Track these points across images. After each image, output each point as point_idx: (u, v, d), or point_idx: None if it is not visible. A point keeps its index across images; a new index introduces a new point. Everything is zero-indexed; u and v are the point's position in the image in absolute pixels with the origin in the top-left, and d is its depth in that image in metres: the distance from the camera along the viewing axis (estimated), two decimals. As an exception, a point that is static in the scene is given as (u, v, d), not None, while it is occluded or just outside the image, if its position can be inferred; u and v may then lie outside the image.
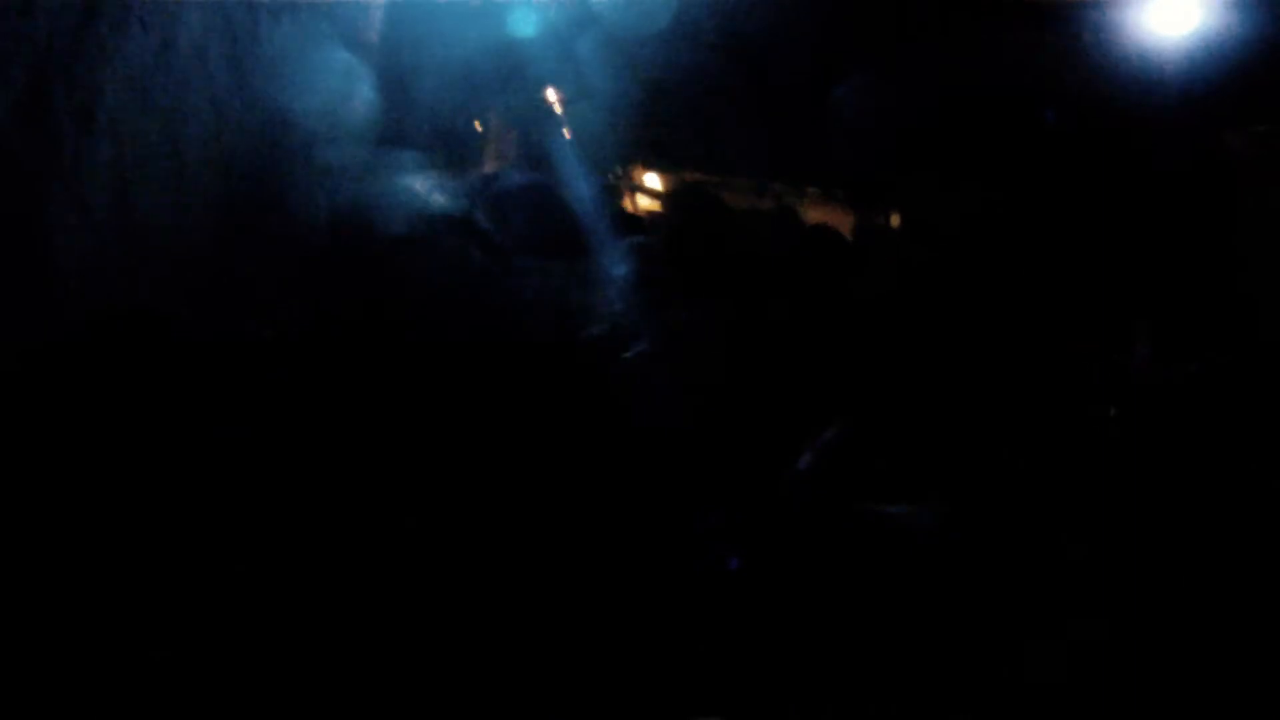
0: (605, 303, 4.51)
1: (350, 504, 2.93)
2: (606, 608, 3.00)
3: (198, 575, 2.80)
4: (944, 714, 2.97)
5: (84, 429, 2.84)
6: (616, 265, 4.74)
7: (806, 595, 3.05)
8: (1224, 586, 2.95)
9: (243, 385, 2.98)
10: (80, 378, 2.95)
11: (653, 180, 7.19)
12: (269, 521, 2.87)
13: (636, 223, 6.14)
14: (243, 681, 2.79)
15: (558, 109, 6.40)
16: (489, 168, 6.42)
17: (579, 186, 5.59)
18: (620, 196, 7.02)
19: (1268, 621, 2.91)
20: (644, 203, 7.17)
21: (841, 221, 6.67)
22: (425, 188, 4.96)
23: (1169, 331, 3.66)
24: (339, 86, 5.07)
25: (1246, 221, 4.28)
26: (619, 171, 6.99)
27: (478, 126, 6.30)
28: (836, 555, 3.07)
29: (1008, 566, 3.04)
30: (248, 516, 2.86)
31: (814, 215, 6.91)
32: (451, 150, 5.91)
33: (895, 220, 6.44)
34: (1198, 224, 4.25)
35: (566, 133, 6.36)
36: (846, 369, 3.61)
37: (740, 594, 3.06)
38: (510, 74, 6.07)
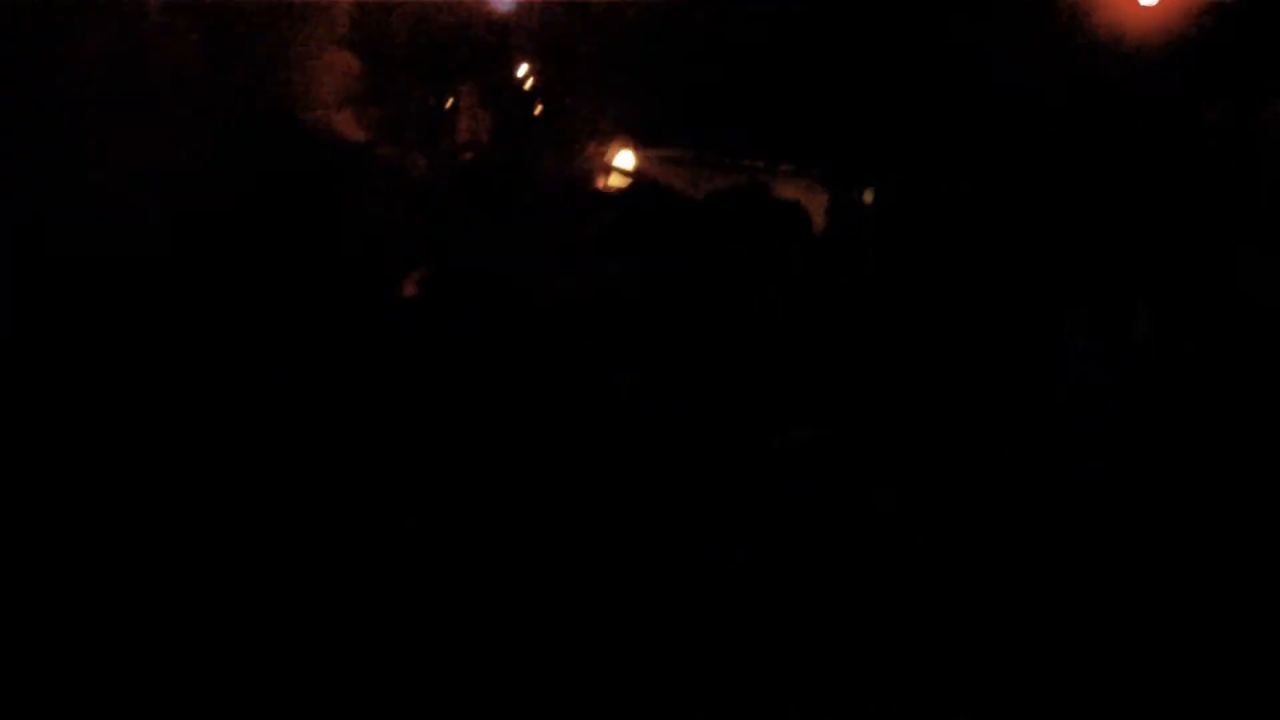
0: (576, 279, 4.45)
1: (350, 504, 2.90)
2: (605, 607, 2.97)
3: (197, 575, 2.78)
4: (944, 714, 2.95)
5: (80, 427, 2.81)
6: (588, 242, 4.69)
7: (806, 594, 3.02)
8: (1224, 576, 2.94)
9: (242, 385, 2.94)
10: (76, 375, 2.91)
11: (626, 157, 7.11)
12: (269, 521, 2.84)
13: (608, 200, 6.08)
14: (242, 681, 2.77)
15: (533, 85, 6.31)
16: (463, 145, 6.34)
17: (550, 163, 5.54)
18: (593, 173, 6.94)
19: (1268, 612, 2.90)
20: (616, 180, 7.09)
21: (819, 202, 6.60)
22: (394, 165, 4.91)
23: (1169, 310, 3.59)
24: (309, 68, 5.00)
25: (1242, 200, 4.22)
26: (592, 148, 6.90)
27: (451, 103, 6.21)
28: (836, 554, 3.03)
29: (1008, 565, 3.02)
30: (248, 516, 2.83)
31: (789, 195, 6.82)
32: (424, 127, 5.83)
33: (872, 199, 6.38)
34: (1195, 203, 4.19)
35: (540, 109, 6.28)
36: (833, 360, 3.56)
37: (740, 593, 3.03)
38: (486, 50, 5.98)
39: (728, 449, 3.15)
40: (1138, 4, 5.13)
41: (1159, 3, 5.09)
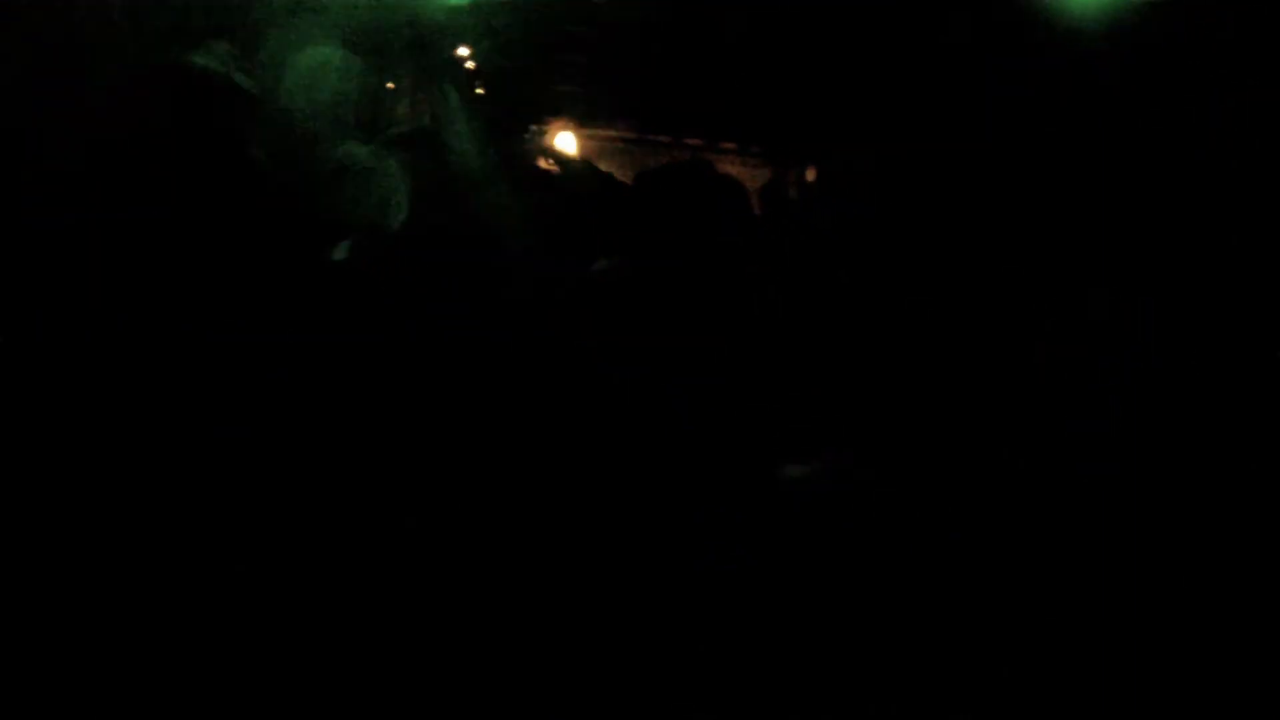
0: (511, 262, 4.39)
1: (350, 503, 2.86)
2: (604, 607, 2.94)
3: (197, 575, 2.73)
4: (944, 714, 2.96)
5: (80, 427, 2.75)
6: (517, 221, 4.62)
7: (806, 595, 3.00)
8: (1224, 576, 2.97)
9: (243, 385, 2.87)
10: (78, 375, 2.84)
11: (566, 138, 7.07)
12: (269, 521, 2.80)
13: (545, 179, 6.02)
14: (242, 682, 2.74)
15: (470, 67, 6.24)
16: (398, 125, 6.25)
17: (482, 141, 5.47)
18: (531, 154, 6.89)
19: (1268, 613, 2.94)
20: (555, 160, 7.04)
21: (758, 179, 6.59)
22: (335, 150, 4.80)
23: (1167, 309, 3.60)
24: (247, 51, 4.89)
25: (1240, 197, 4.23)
26: (530, 128, 6.85)
27: (390, 86, 6.12)
28: (836, 555, 3.02)
29: (1009, 565, 3.02)
30: (247, 516, 2.78)
31: (729, 172, 6.80)
32: (360, 109, 5.74)
33: (815, 176, 6.38)
34: (1193, 200, 4.20)
35: (480, 91, 6.21)
36: (823, 357, 3.53)
37: (740, 593, 3.01)
38: (422, 32, 5.89)
39: (728, 450, 3.12)
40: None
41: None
